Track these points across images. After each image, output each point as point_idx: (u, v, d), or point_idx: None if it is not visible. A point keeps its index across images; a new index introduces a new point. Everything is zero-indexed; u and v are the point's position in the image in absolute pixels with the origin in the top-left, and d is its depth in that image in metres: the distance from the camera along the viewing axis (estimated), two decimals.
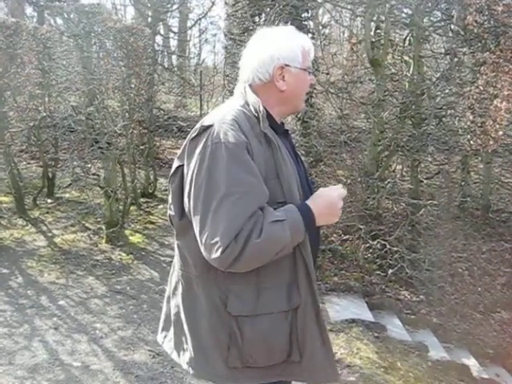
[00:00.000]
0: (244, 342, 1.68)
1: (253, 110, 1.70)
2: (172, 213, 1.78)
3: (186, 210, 1.67)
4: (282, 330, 1.70)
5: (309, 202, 1.69)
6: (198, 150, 1.63)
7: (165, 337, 1.96)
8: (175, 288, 1.88)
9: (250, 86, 1.78)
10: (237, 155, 1.57)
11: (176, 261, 1.88)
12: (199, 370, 1.80)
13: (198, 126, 1.69)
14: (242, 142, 1.59)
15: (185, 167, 1.68)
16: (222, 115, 1.68)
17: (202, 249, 1.59)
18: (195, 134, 1.67)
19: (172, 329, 1.90)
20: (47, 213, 7.04)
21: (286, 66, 1.74)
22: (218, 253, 1.53)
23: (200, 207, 1.58)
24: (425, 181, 6.93)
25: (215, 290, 1.70)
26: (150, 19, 11.54)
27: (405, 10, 6.56)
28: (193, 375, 1.85)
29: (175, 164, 1.75)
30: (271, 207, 1.61)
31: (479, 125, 4.82)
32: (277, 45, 1.75)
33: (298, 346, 1.73)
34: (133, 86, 6.83)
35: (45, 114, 6.73)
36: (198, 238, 1.60)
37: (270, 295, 1.68)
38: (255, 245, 1.53)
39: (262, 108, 1.69)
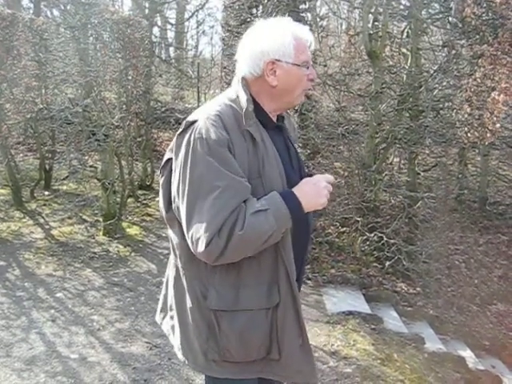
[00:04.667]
0: (221, 336, 1.70)
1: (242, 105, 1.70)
2: (161, 205, 1.81)
3: (174, 205, 1.70)
4: (260, 327, 1.71)
5: (293, 188, 1.68)
6: (183, 146, 1.64)
7: (163, 317, 1.99)
8: (170, 275, 1.91)
9: (244, 79, 1.75)
10: (217, 152, 1.58)
11: (171, 250, 1.91)
12: (185, 356, 1.84)
13: (184, 121, 1.70)
14: (222, 140, 1.59)
15: (173, 163, 1.70)
16: (207, 111, 1.68)
17: (189, 243, 1.61)
18: (181, 129, 1.69)
19: (168, 312, 1.94)
20: (44, 205, 7.04)
21: (277, 60, 1.70)
22: (203, 247, 1.54)
23: (186, 203, 1.60)
24: (422, 173, 6.95)
25: (197, 283, 1.73)
26: (147, 11, 11.49)
27: (403, 2, 6.57)
28: (181, 359, 1.88)
29: (166, 156, 1.77)
30: None
31: (477, 117, 4.82)
32: (269, 38, 1.70)
33: (277, 344, 1.74)
34: (130, 77, 6.80)
35: (42, 106, 6.71)
36: (186, 233, 1.62)
37: (249, 293, 1.69)
38: (239, 237, 1.54)
39: (245, 105, 1.66)
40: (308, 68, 1.77)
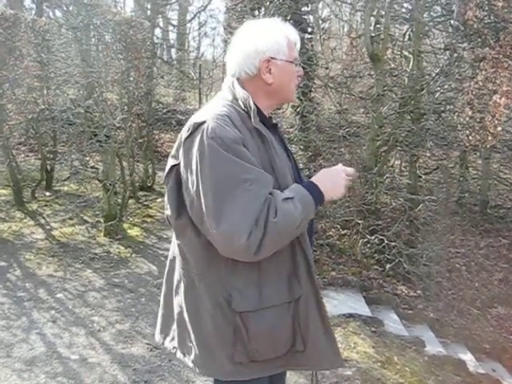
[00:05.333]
0: (250, 336, 1.68)
1: (242, 105, 1.70)
2: (169, 213, 1.77)
3: (191, 210, 1.65)
4: (285, 321, 1.72)
5: (312, 179, 1.74)
6: (195, 149, 1.60)
7: (164, 337, 1.95)
8: (177, 287, 1.86)
9: (238, 79, 1.76)
10: (235, 148, 1.57)
11: (177, 260, 1.86)
12: (205, 368, 1.80)
13: (189, 124, 1.67)
14: (237, 138, 1.58)
15: (181, 168, 1.66)
16: (212, 111, 1.65)
17: (221, 242, 1.57)
18: (188, 132, 1.64)
19: (175, 328, 1.89)
20: (45, 206, 7.03)
21: (272, 58, 1.73)
22: (243, 240, 1.51)
23: (211, 202, 1.56)
24: (423, 176, 6.95)
25: (218, 288, 1.70)
26: (149, 12, 11.52)
27: (405, 5, 6.58)
28: (199, 373, 1.84)
29: (169, 163, 1.73)
30: None
31: (478, 120, 4.82)
32: (262, 37, 1.73)
33: (301, 335, 1.75)
34: (132, 79, 6.81)
35: (43, 107, 6.70)
36: (214, 232, 1.56)
37: (272, 288, 1.69)
38: (274, 224, 1.53)
39: (252, 103, 1.68)
40: (297, 65, 1.80)
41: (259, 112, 1.74)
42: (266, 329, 1.69)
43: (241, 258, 1.59)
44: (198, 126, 1.62)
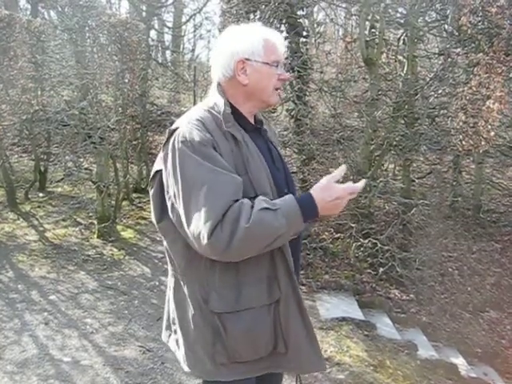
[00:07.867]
0: (228, 337, 1.71)
1: (219, 109, 1.74)
2: (153, 216, 1.82)
3: (171, 214, 1.70)
4: (265, 323, 1.73)
5: (314, 193, 1.67)
6: (169, 154, 1.67)
7: (169, 336, 1.99)
8: (169, 287, 1.92)
9: (219, 84, 1.81)
10: (202, 150, 1.62)
11: (168, 262, 1.91)
12: (191, 366, 1.83)
13: (167, 130, 1.74)
14: (207, 140, 1.63)
15: (163, 173, 1.72)
16: (187, 118, 1.73)
17: (193, 242, 1.61)
18: (165, 139, 1.73)
19: (172, 327, 1.93)
20: (39, 207, 7.02)
21: (247, 59, 1.75)
22: (206, 238, 1.54)
23: (182, 203, 1.62)
24: (417, 180, 6.97)
25: (197, 288, 1.74)
26: (144, 14, 11.47)
27: (399, 10, 6.60)
28: (187, 372, 1.87)
29: (154, 168, 1.79)
30: None
31: (471, 125, 4.84)
32: (238, 39, 1.77)
33: (282, 337, 1.76)
34: (126, 80, 6.80)
35: (37, 108, 6.69)
36: (189, 234, 1.61)
37: (250, 290, 1.70)
38: (245, 229, 1.54)
39: (222, 108, 1.71)
40: (278, 67, 1.80)
41: (240, 116, 1.78)
42: (244, 330, 1.70)
43: (211, 256, 1.61)
44: (172, 133, 1.70)
